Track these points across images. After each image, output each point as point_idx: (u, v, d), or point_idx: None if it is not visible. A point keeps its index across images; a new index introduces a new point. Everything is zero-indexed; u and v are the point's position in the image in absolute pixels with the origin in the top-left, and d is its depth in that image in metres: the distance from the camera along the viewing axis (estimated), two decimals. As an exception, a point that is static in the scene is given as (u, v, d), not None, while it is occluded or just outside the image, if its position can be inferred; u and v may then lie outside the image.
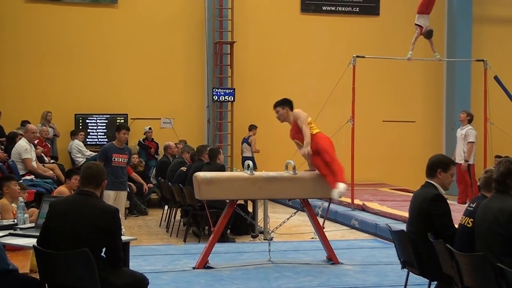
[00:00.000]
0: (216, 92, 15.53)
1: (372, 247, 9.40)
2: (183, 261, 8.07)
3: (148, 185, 13.22)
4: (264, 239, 9.48)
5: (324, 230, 8.27)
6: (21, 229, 5.83)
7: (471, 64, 16.28)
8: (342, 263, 8.05)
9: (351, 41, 16.40)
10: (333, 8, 16.87)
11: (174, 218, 10.87)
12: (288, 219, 8.70)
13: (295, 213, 8.74)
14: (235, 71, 15.91)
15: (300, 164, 8.35)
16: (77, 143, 14.17)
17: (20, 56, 15.03)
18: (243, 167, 8.60)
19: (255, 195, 8.33)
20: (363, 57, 12.22)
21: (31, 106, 14.55)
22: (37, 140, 11.86)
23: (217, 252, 8.25)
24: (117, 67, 15.52)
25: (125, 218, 11.41)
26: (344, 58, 12.62)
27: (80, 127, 14.84)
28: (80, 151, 14.09)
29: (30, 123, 12.14)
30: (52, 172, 10.82)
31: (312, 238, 9.62)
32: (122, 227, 5.01)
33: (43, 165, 11.08)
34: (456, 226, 5.28)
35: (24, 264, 5.83)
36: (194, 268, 7.70)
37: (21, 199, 6.49)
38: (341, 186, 7.72)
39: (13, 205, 7.06)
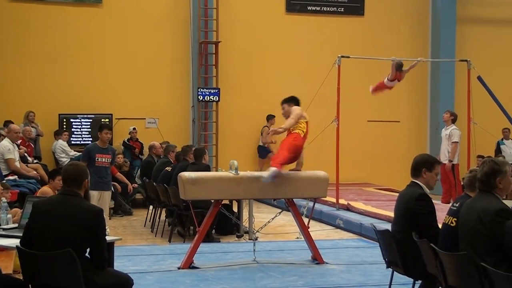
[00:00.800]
0: (201, 92, 15.50)
1: (357, 246, 9.43)
2: (168, 261, 8.06)
3: (133, 185, 13.18)
4: (249, 239, 9.47)
5: (309, 229, 8.29)
6: (4, 229, 5.79)
7: (455, 64, 16.37)
8: (327, 263, 8.07)
9: (336, 41, 16.44)
10: (318, 8, 16.89)
11: (159, 218, 10.84)
12: (273, 219, 8.71)
13: (280, 213, 8.75)
14: (220, 71, 15.90)
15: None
16: (61, 143, 14.09)
17: (3, 55, 14.91)
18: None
19: (240, 195, 8.33)
20: (348, 57, 12.24)
21: (14, 106, 14.44)
22: (20, 140, 11.78)
23: (202, 252, 8.24)
24: (101, 66, 15.45)
25: (110, 218, 11.36)
26: (329, 58, 12.65)
27: (64, 127, 14.76)
28: (64, 151, 14.01)
29: (13, 123, 12.04)
30: (35, 172, 10.76)
31: (297, 238, 9.63)
32: (106, 227, 4.99)
33: (27, 165, 11.02)
34: (440, 225, 5.31)
35: (7, 265, 5.77)
36: (179, 268, 7.69)
37: (4, 199, 6.45)
38: (271, 170, 7.71)
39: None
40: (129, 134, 15.01)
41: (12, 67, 14.97)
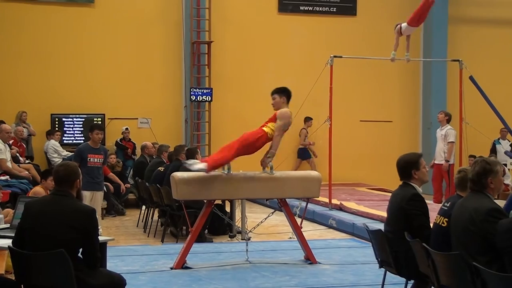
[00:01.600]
0: (194, 92, 15.49)
1: (349, 246, 9.44)
2: (160, 262, 8.05)
3: (126, 185, 13.16)
4: (242, 239, 9.48)
5: (302, 229, 8.29)
6: (-4, 230, 5.77)
7: (446, 64, 16.42)
8: (320, 263, 8.08)
9: (329, 41, 16.45)
10: (310, 8, 16.90)
11: (152, 218, 10.83)
12: (265, 219, 8.70)
13: (272, 213, 8.74)
14: (212, 71, 15.89)
15: (277, 164, 8.36)
16: (53, 143, 14.06)
17: (-5, 55, 14.88)
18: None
19: (232, 195, 8.33)
20: (341, 57, 12.25)
21: (6, 106, 14.39)
22: (12, 140, 11.74)
23: (195, 252, 8.23)
24: (94, 66, 15.42)
25: (102, 218, 11.34)
26: (322, 58, 12.65)
27: (56, 127, 14.72)
28: (56, 151, 13.97)
29: (4, 123, 12.00)
30: (27, 173, 10.72)
31: (290, 238, 9.64)
32: (99, 227, 4.98)
33: (18, 166, 10.97)
34: (431, 225, 5.32)
35: (-1, 265, 5.76)
36: (172, 268, 7.68)
37: (-4, 199, 6.43)
38: (202, 165, 7.51)
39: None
40: (121, 134, 14.98)
41: (3, 67, 14.91)
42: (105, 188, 10.40)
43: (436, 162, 12.92)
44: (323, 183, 8.73)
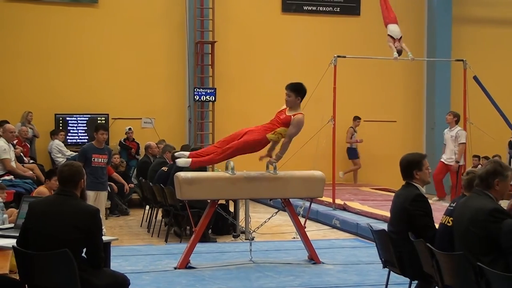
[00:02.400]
0: (197, 92, 15.49)
1: (353, 246, 9.43)
2: (164, 261, 8.05)
3: (129, 185, 13.17)
4: (246, 239, 9.48)
5: (305, 229, 8.29)
6: (0, 229, 5.77)
7: (450, 64, 16.40)
8: (323, 263, 8.08)
9: (332, 41, 16.44)
10: (314, 8, 16.89)
11: (155, 218, 10.83)
12: (269, 219, 8.70)
13: (276, 212, 8.75)
14: (216, 71, 15.89)
15: (281, 164, 8.35)
16: (57, 143, 14.07)
17: (-1, 55, 14.91)
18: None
19: (236, 195, 8.34)
20: (344, 57, 12.25)
21: (10, 106, 14.40)
22: (17, 140, 11.76)
23: (199, 252, 8.23)
24: (97, 66, 15.43)
25: (106, 218, 11.36)
26: (325, 58, 12.64)
27: (60, 127, 14.74)
28: (60, 151, 13.99)
29: (8, 122, 12.02)
30: (31, 172, 10.73)
31: (294, 237, 9.63)
32: (103, 227, 4.99)
33: (23, 165, 10.99)
34: (437, 225, 5.32)
35: (4, 265, 5.75)
36: (175, 268, 7.69)
37: (0, 199, 6.43)
38: (187, 160, 7.59)
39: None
40: (125, 134, 15.00)
41: (7, 67, 14.93)
42: (108, 188, 10.41)
43: (444, 161, 12.96)
44: (327, 182, 8.73)
